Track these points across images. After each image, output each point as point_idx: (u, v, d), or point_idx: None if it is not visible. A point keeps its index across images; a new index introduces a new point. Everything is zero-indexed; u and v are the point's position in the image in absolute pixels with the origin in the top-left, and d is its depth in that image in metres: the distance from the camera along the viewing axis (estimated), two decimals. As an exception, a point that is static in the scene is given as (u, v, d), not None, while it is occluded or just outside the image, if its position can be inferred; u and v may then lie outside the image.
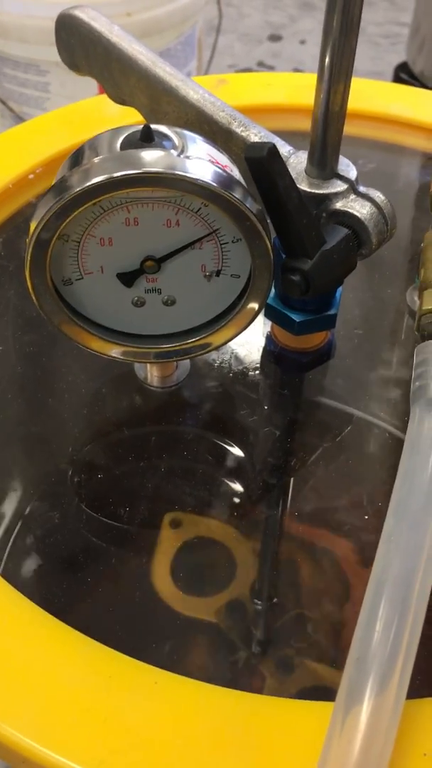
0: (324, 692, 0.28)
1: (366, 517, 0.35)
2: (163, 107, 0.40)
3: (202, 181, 0.30)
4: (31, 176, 0.49)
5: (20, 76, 1.15)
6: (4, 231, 0.47)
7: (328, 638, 0.31)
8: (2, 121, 1.24)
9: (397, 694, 0.25)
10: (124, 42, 0.40)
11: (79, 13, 0.41)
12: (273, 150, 0.30)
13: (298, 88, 0.57)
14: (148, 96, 0.40)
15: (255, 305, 0.34)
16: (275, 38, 1.87)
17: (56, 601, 0.31)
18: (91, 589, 0.32)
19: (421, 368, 0.34)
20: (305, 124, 0.54)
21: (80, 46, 0.42)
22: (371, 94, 0.57)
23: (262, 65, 1.78)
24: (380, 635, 0.26)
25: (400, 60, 1.64)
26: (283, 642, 0.31)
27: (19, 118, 1.20)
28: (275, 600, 0.33)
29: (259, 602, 0.32)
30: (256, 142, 0.30)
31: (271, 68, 1.77)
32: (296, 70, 1.76)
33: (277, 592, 0.33)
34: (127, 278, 0.33)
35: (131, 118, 0.50)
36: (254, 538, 0.35)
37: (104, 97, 0.45)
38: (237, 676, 0.30)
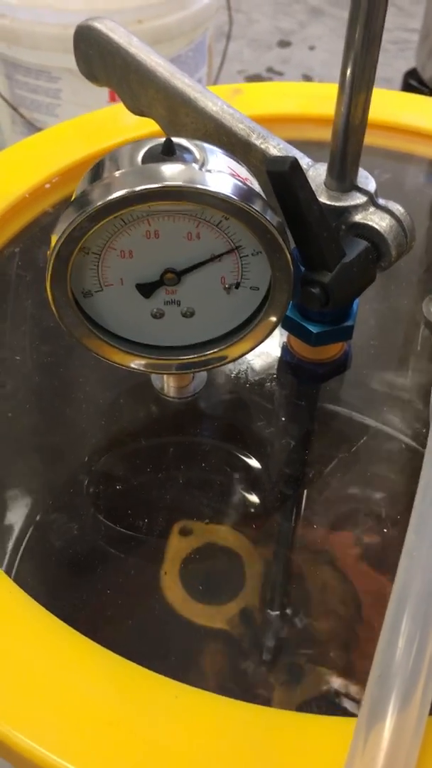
0: (341, 702, 0.28)
1: (384, 529, 0.35)
2: (182, 119, 0.40)
3: (223, 194, 0.30)
4: (47, 186, 0.49)
5: (32, 83, 1.16)
6: (21, 241, 0.47)
7: (345, 648, 0.31)
8: (13, 127, 1.24)
9: (420, 711, 0.25)
10: (142, 53, 0.40)
11: (98, 25, 0.41)
12: (295, 164, 0.30)
13: (313, 98, 0.57)
14: (167, 107, 0.40)
15: (274, 318, 0.34)
16: (284, 44, 1.88)
17: (74, 611, 0.31)
18: (110, 600, 0.32)
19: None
20: (320, 134, 0.54)
21: (99, 58, 0.42)
22: (383, 104, 0.57)
23: (272, 71, 1.78)
24: (402, 652, 0.26)
25: (409, 66, 1.64)
26: (300, 652, 0.31)
27: (31, 125, 1.21)
28: (292, 610, 0.32)
29: (276, 612, 0.32)
30: (278, 156, 0.30)
31: (280, 74, 1.77)
32: (305, 75, 1.76)
33: (295, 602, 0.33)
34: (147, 289, 0.34)
35: (147, 128, 0.50)
36: (272, 549, 0.35)
37: (120, 106, 0.45)
38: (255, 687, 0.30)
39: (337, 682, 0.30)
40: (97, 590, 0.32)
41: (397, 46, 1.84)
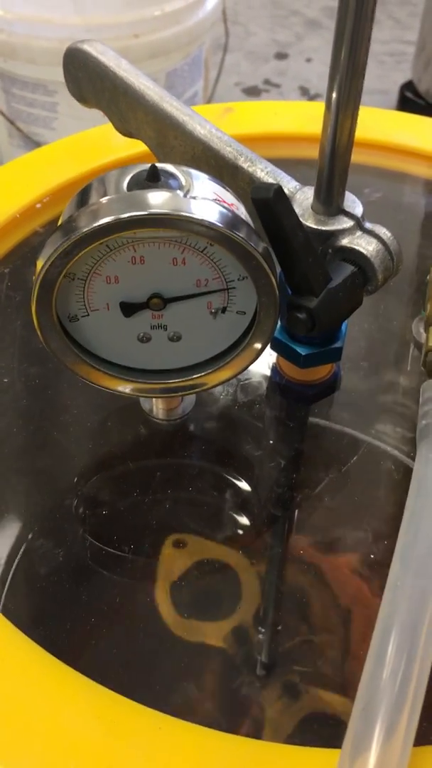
0: (329, 726, 0.28)
1: (372, 549, 0.35)
2: (170, 141, 0.40)
3: (208, 222, 0.30)
4: (38, 206, 0.50)
5: (28, 96, 1.16)
6: (10, 261, 0.47)
7: (335, 674, 0.31)
8: (10, 140, 1.25)
9: (404, 743, 0.25)
10: (131, 76, 0.40)
11: (88, 47, 0.42)
12: (279, 191, 0.30)
13: (304, 117, 0.57)
14: (155, 130, 0.40)
15: (261, 341, 0.34)
16: (281, 56, 1.88)
17: (58, 640, 0.31)
18: (94, 629, 0.32)
19: (428, 406, 0.34)
20: (311, 152, 0.54)
21: (88, 80, 0.42)
22: (375, 123, 0.57)
23: (269, 83, 1.79)
24: (386, 683, 0.26)
25: (406, 78, 1.65)
26: (287, 680, 0.31)
27: (27, 138, 1.21)
28: (282, 637, 0.32)
29: (265, 639, 0.32)
30: (262, 183, 0.30)
31: (277, 86, 1.78)
32: (302, 88, 1.77)
33: (286, 630, 0.33)
34: (129, 309, 0.33)
35: (137, 147, 0.50)
36: (264, 572, 0.35)
37: (111, 126, 0.45)
38: (241, 717, 0.30)
39: (325, 709, 0.30)
40: (81, 618, 0.32)
41: (394, 58, 1.85)
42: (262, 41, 1.93)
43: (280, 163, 0.56)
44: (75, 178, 0.51)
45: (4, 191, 0.50)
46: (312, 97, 1.74)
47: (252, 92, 1.75)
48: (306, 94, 1.76)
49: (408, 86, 1.62)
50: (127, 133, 0.43)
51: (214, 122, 0.53)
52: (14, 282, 0.46)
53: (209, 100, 1.38)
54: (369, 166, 0.55)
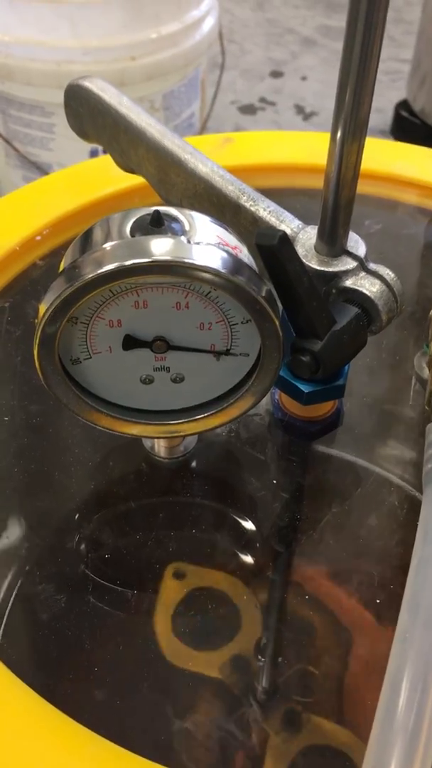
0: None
1: (375, 586, 0.35)
2: (172, 178, 0.40)
3: (212, 269, 0.30)
4: (38, 238, 0.49)
5: (25, 117, 1.17)
6: (10, 295, 0.47)
7: (338, 719, 0.31)
8: (7, 160, 1.25)
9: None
10: (132, 113, 0.40)
11: (89, 84, 0.41)
12: (284, 237, 0.30)
13: (304, 147, 0.57)
14: (156, 167, 0.40)
15: (265, 383, 0.34)
16: (277, 74, 1.90)
17: (59, 689, 0.31)
18: (97, 678, 0.31)
19: (433, 449, 0.34)
20: (311, 182, 0.55)
21: (89, 116, 0.42)
22: (373, 153, 0.57)
23: (264, 101, 1.80)
24: (396, 740, 0.25)
25: (401, 97, 1.66)
26: (289, 729, 0.31)
27: (24, 158, 1.21)
28: (285, 688, 0.32)
29: (268, 673, 0.32)
30: (267, 229, 0.30)
31: (272, 104, 1.79)
32: (297, 106, 1.78)
33: (290, 662, 0.32)
34: (130, 343, 0.33)
35: (137, 178, 0.50)
36: (267, 611, 0.35)
37: (110, 156, 0.45)
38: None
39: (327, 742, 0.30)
40: (83, 667, 0.32)
41: (389, 76, 1.86)
42: (258, 59, 1.94)
43: (280, 193, 0.56)
44: (75, 210, 0.51)
45: (4, 224, 0.50)
46: (308, 115, 1.75)
47: (248, 110, 1.76)
48: (301, 112, 1.77)
49: (403, 105, 1.63)
50: (128, 169, 0.42)
51: (213, 152, 0.53)
52: (14, 316, 0.46)
53: (206, 120, 1.39)
54: (371, 197, 0.55)
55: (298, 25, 2.08)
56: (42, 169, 1.22)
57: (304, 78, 1.88)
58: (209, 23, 1.20)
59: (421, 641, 0.27)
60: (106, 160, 0.45)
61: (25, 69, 1.09)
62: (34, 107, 1.15)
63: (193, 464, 0.40)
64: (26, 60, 1.09)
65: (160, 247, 0.30)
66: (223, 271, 0.30)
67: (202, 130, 1.37)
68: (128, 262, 0.29)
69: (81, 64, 1.07)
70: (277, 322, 0.32)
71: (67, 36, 1.06)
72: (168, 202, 0.41)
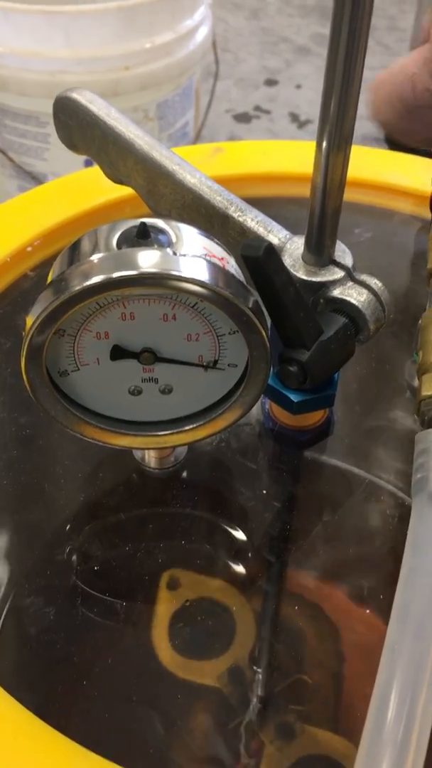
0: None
1: (367, 592, 0.34)
2: (160, 189, 0.40)
3: (198, 281, 0.30)
4: (29, 249, 0.49)
5: (20, 127, 1.17)
6: (0, 306, 0.47)
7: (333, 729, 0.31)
8: (2, 170, 1.25)
9: None
10: (120, 125, 0.40)
11: (77, 96, 0.42)
12: (269, 249, 0.30)
13: (293, 156, 0.57)
14: (145, 178, 0.40)
15: (253, 393, 0.34)
16: (271, 83, 1.90)
17: (48, 704, 0.30)
18: (86, 692, 0.31)
19: (422, 458, 0.33)
20: (300, 191, 0.55)
21: (78, 128, 0.42)
22: (366, 161, 0.57)
23: (259, 109, 1.80)
24: (385, 752, 0.25)
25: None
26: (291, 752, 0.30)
27: (20, 168, 1.22)
28: (279, 706, 0.32)
29: (265, 694, 0.32)
30: (252, 240, 0.30)
31: (267, 113, 1.79)
32: (292, 114, 1.79)
33: (283, 695, 0.32)
34: (117, 353, 0.33)
35: (128, 189, 0.50)
36: (261, 622, 0.34)
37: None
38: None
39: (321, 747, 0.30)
40: (74, 681, 0.31)
41: (382, 84, 1.87)
42: (252, 68, 1.95)
43: (270, 202, 0.56)
44: (66, 220, 0.51)
45: (-5, 235, 0.50)
46: (302, 123, 1.75)
47: (242, 119, 1.76)
48: (296, 120, 1.77)
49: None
50: (117, 180, 0.43)
51: (203, 162, 0.53)
52: (3, 328, 0.46)
53: (200, 128, 1.39)
54: (361, 205, 0.55)
55: (293, 34, 2.09)
56: (37, 179, 1.22)
57: (298, 86, 1.89)
58: (203, 33, 1.20)
59: (410, 652, 0.27)
60: (97, 171, 0.45)
61: (19, 79, 1.10)
62: (28, 117, 1.15)
63: (184, 474, 0.40)
64: (20, 70, 1.09)
65: (147, 260, 0.30)
66: (209, 282, 0.30)
67: (197, 138, 1.37)
68: (115, 275, 0.29)
69: (75, 75, 1.07)
70: (264, 334, 0.32)
71: (61, 46, 1.07)
72: (157, 213, 0.41)
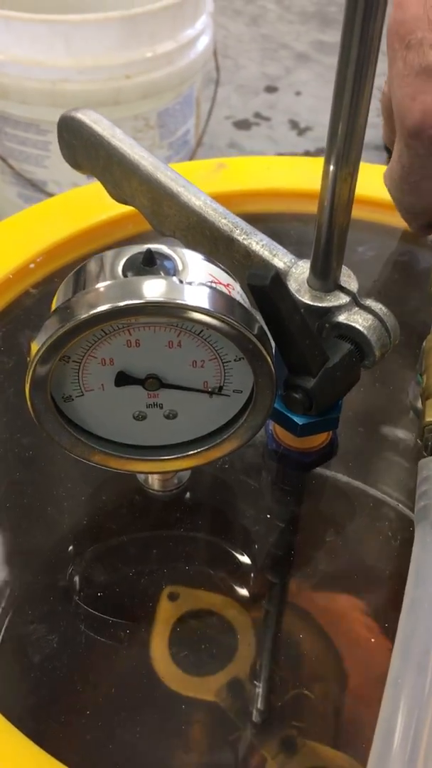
0: None
1: (370, 613, 0.34)
2: (165, 210, 0.40)
3: (203, 309, 0.30)
4: (31, 265, 0.49)
5: (21, 135, 1.17)
6: (2, 323, 0.47)
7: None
8: (3, 177, 1.25)
9: None
10: (125, 146, 0.40)
11: (81, 116, 0.42)
12: (275, 278, 0.30)
13: (297, 172, 0.57)
14: (150, 199, 0.40)
15: (258, 419, 0.34)
16: (271, 89, 1.90)
17: (50, 733, 0.30)
18: (89, 722, 0.31)
19: (425, 486, 0.33)
20: (304, 207, 0.55)
21: (82, 148, 0.42)
22: (370, 178, 0.57)
23: (259, 116, 1.80)
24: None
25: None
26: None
27: (20, 175, 1.22)
28: (281, 728, 0.32)
29: (266, 716, 0.31)
30: (259, 269, 0.30)
31: (267, 119, 1.79)
32: (292, 121, 1.79)
33: (283, 713, 0.32)
34: (122, 379, 0.33)
35: (130, 206, 0.50)
36: (263, 646, 0.34)
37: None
38: None
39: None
40: (75, 709, 0.31)
41: (383, 91, 1.87)
42: (252, 75, 1.95)
43: (273, 218, 0.56)
44: (68, 236, 0.51)
45: (-3, 252, 0.50)
46: (302, 130, 1.76)
47: (243, 126, 1.77)
48: (296, 127, 1.77)
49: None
50: (122, 200, 0.42)
51: (206, 178, 0.53)
52: (6, 347, 0.45)
53: (201, 136, 1.39)
54: (365, 222, 0.55)
55: (293, 41, 2.10)
56: (37, 187, 1.22)
57: (298, 93, 1.89)
58: (204, 41, 1.20)
59: (413, 686, 0.27)
60: (99, 187, 0.45)
61: (21, 87, 1.09)
62: (29, 125, 1.15)
63: (187, 496, 0.40)
64: (21, 78, 1.09)
65: (153, 289, 0.29)
66: (214, 311, 0.30)
67: (197, 146, 1.37)
68: (122, 303, 0.29)
69: (76, 83, 1.07)
70: (269, 360, 0.32)
71: (62, 55, 1.07)
72: (161, 234, 0.41)
